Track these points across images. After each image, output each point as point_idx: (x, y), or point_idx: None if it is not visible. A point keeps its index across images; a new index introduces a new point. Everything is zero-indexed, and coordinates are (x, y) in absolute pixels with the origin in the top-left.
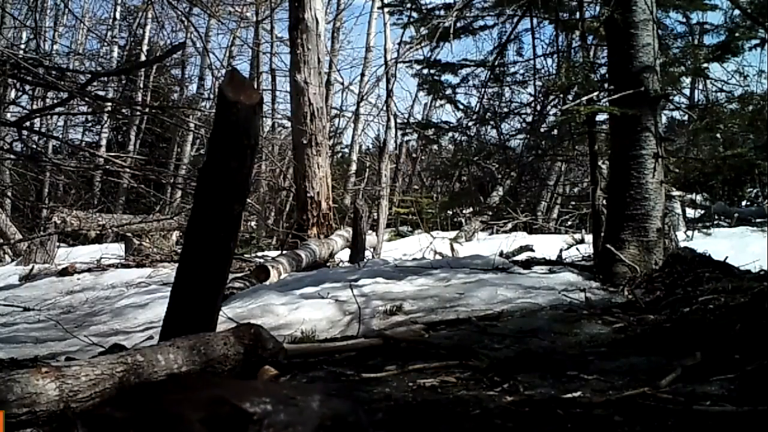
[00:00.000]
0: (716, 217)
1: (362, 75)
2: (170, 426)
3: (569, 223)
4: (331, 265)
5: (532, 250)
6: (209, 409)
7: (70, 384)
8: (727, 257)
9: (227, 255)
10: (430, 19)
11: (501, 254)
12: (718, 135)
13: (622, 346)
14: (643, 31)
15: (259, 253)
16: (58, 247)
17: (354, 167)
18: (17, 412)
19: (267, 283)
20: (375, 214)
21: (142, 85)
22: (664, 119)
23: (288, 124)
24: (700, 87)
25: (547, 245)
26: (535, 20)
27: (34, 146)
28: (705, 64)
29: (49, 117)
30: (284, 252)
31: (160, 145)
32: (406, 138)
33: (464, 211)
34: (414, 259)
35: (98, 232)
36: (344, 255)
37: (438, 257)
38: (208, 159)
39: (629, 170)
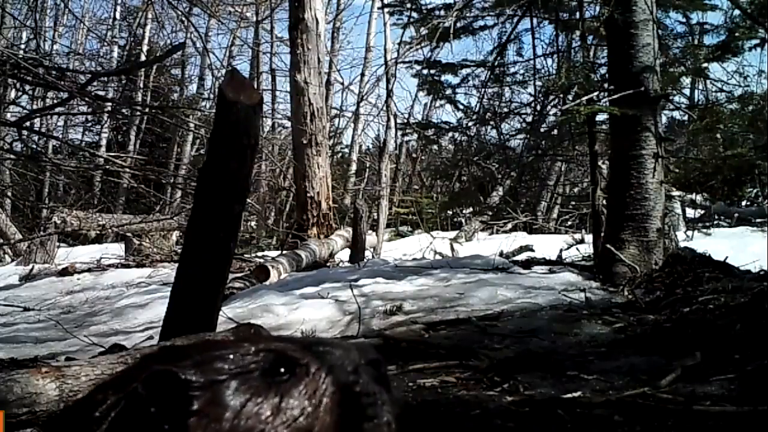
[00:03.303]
0: (716, 217)
1: (362, 75)
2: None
3: (569, 223)
4: (331, 265)
5: (532, 250)
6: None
7: (70, 384)
8: (727, 257)
9: (227, 255)
10: (430, 19)
11: (501, 254)
12: (718, 135)
13: (622, 346)
14: (643, 31)
15: (259, 253)
16: (58, 247)
17: (354, 167)
18: (17, 412)
19: (267, 283)
20: (375, 214)
21: (142, 85)
22: (664, 119)
23: (288, 124)
24: (700, 87)
25: (547, 245)
26: (535, 20)
27: (34, 146)
28: (705, 64)
29: (49, 117)
30: (284, 252)
31: (160, 145)
32: (406, 138)
33: (464, 211)
34: (414, 259)
35: (98, 232)
36: (344, 255)
37: (438, 257)
38: (208, 159)
39: (629, 170)
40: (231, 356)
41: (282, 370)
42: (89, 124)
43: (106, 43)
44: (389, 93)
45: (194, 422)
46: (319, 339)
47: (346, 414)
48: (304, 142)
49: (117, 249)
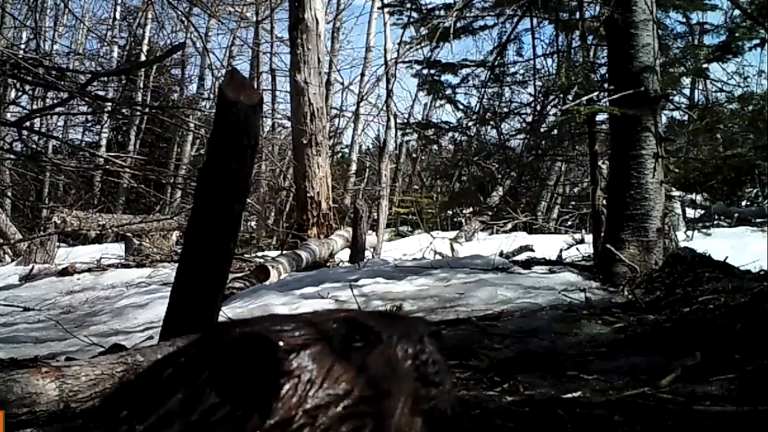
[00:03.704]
0: (716, 217)
1: (362, 75)
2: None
3: (569, 223)
4: (331, 265)
5: (532, 250)
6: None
7: (70, 384)
8: (727, 257)
9: (227, 255)
10: (430, 19)
11: (501, 254)
12: (718, 135)
13: (622, 346)
14: (643, 31)
15: (259, 253)
16: (58, 247)
17: (354, 167)
18: (17, 412)
19: (267, 283)
20: (375, 214)
21: (142, 85)
22: (664, 119)
23: (288, 124)
24: (700, 87)
25: (547, 245)
26: (535, 20)
27: (34, 146)
28: (705, 64)
29: (49, 117)
30: (284, 252)
31: (160, 145)
32: (406, 138)
33: (464, 211)
34: (414, 259)
35: (98, 232)
36: (344, 255)
37: (438, 257)
38: (208, 159)
39: (629, 170)
40: (309, 324)
41: (357, 337)
42: (89, 124)
43: (106, 43)
44: (389, 93)
45: (286, 383)
46: (382, 311)
47: (416, 380)
48: (304, 142)
49: (117, 249)
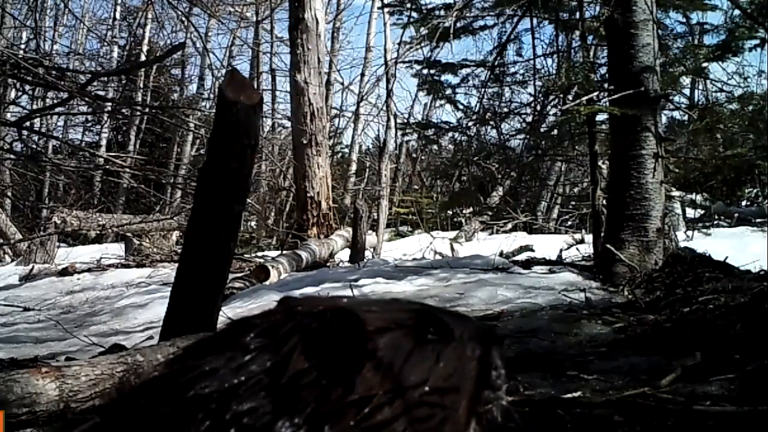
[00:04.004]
0: (716, 217)
1: (362, 75)
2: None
3: (569, 223)
4: (331, 265)
5: (532, 250)
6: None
7: (70, 384)
8: (727, 257)
9: (227, 255)
10: (430, 19)
11: (501, 254)
12: (718, 135)
13: (622, 346)
14: (643, 31)
15: (259, 253)
16: (58, 247)
17: (354, 167)
18: (17, 412)
19: (267, 283)
20: (375, 214)
21: (142, 85)
22: (664, 119)
23: (288, 124)
24: (700, 87)
25: (547, 245)
26: (535, 20)
27: (34, 146)
28: (705, 64)
29: (49, 117)
30: (284, 252)
31: (160, 145)
32: (406, 138)
33: (464, 211)
34: (414, 259)
35: (98, 232)
36: (344, 255)
37: (438, 257)
38: (208, 159)
39: (629, 170)
40: (385, 311)
41: (432, 329)
42: (89, 124)
43: (106, 43)
44: (389, 93)
45: (369, 362)
46: (448, 309)
47: (478, 381)
48: (304, 142)
49: (117, 249)
